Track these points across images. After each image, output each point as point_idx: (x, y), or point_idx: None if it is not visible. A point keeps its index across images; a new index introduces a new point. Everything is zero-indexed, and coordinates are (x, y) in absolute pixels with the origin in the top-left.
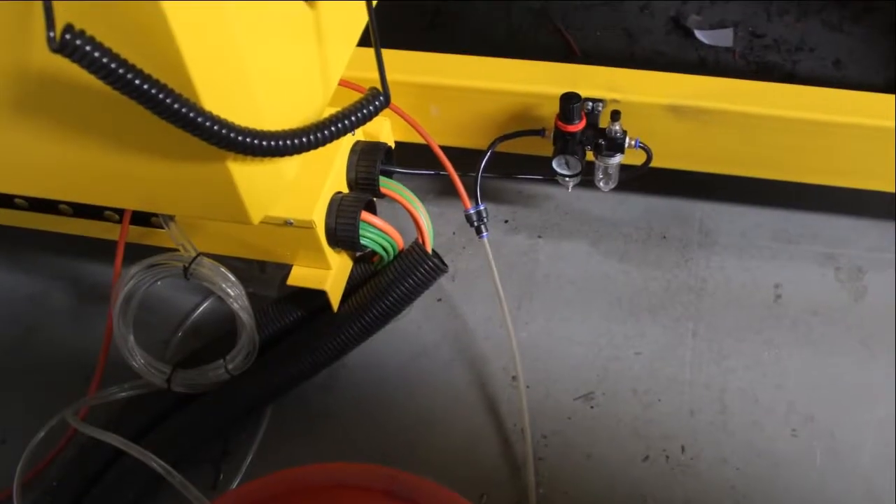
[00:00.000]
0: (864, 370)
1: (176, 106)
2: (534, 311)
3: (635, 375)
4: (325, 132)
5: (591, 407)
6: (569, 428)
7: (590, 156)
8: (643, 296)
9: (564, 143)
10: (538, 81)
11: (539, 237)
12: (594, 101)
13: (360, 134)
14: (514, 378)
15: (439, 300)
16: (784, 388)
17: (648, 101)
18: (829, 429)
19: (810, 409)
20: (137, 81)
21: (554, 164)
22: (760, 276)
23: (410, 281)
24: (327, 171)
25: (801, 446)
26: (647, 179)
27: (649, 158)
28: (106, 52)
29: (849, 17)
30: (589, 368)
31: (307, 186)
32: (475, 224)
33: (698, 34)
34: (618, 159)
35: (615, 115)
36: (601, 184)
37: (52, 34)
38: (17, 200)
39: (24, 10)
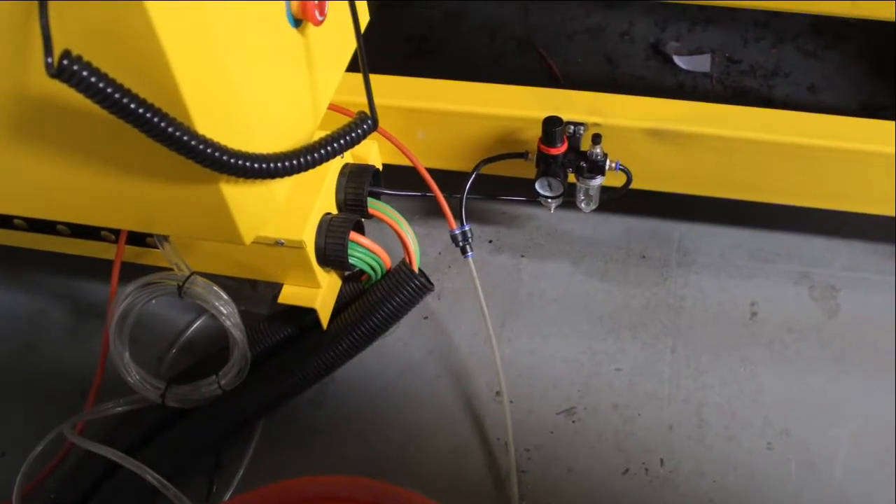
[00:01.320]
0: (837, 385)
1: (170, 130)
2: (517, 329)
3: (616, 391)
4: (315, 155)
5: (573, 421)
6: (551, 442)
7: (571, 178)
8: (623, 313)
9: (547, 166)
10: (521, 106)
11: (522, 257)
12: (576, 124)
13: (348, 156)
14: (497, 393)
15: (426, 318)
16: (760, 402)
17: (628, 124)
18: (804, 442)
19: (785, 424)
20: (133, 106)
21: (537, 186)
22: (737, 295)
23: (397, 299)
24: (317, 192)
25: (776, 459)
26: (627, 200)
27: (629, 180)
28: (102, 77)
29: (823, 44)
30: (571, 384)
31: (298, 207)
32: (460, 244)
33: (677, 60)
34: (599, 181)
35: (596, 139)
36: (582, 205)
37: (50, 60)
38: (16, 221)
39: (23, 35)
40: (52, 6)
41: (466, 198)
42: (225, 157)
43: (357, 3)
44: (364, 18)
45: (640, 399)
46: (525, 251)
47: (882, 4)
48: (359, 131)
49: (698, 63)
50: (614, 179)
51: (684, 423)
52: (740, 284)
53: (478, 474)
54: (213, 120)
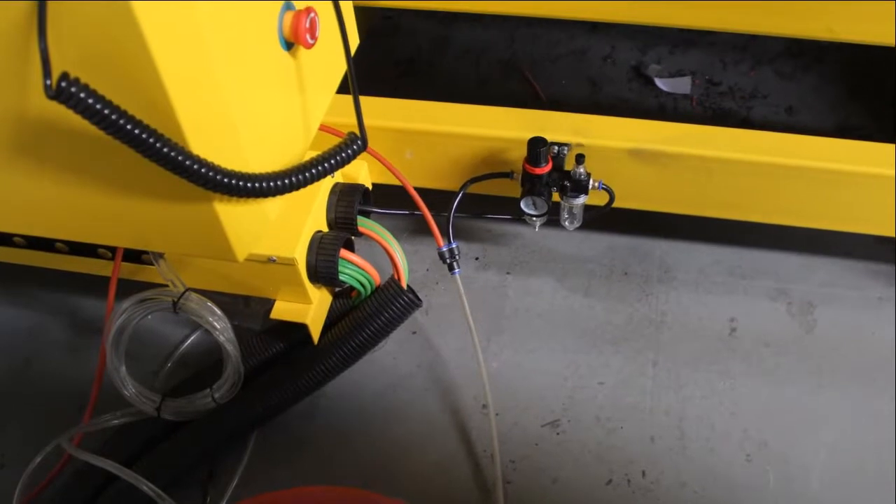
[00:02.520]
0: (813, 398)
1: (165, 150)
2: (503, 343)
3: (599, 404)
4: (307, 174)
5: (557, 433)
6: (536, 453)
7: (556, 197)
8: (606, 329)
9: (532, 185)
10: (507, 127)
11: (508, 273)
12: (560, 145)
13: (339, 176)
14: (484, 406)
15: (414, 333)
16: (739, 415)
17: (611, 145)
18: (782, 453)
19: (763, 436)
20: (129, 127)
21: (522, 205)
22: (716, 310)
23: (386, 315)
24: (308, 210)
25: (755, 470)
26: (610, 219)
27: (612, 199)
28: (99, 99)
29: (800, 67)
30: (555, 397)
31: (289, 225)
32: (448, 261)
33: (658, 82)
34: (582, 200)
35: (579, 159)
36: (566, 223)
37: (48, 82)
38: (15, 239)
39: (23, 58)
40: (50, 30)
41: (454, 216)
42: (219, 177)
43: (347, 26)
44: (354, 41)
45: (622, 412)
46: (511, 268)
47: (858, 28)
48: (349, 151)
49: (679, 85)
50: (597, 198)
51: (665, 434)
52: (719, 300)
53: (465, 485)
54: (207, 140)
